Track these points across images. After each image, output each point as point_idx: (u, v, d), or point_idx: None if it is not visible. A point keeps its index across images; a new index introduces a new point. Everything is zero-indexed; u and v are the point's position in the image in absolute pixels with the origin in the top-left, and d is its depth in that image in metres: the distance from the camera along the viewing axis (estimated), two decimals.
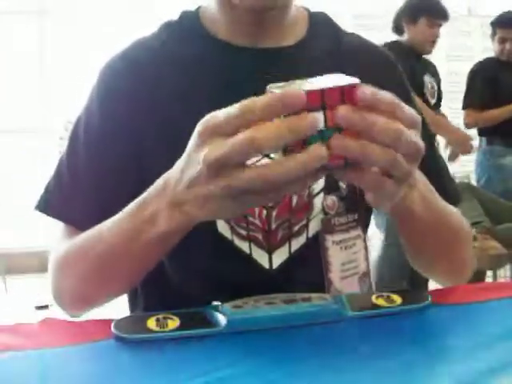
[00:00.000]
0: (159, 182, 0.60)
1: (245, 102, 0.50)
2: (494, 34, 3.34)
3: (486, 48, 3.48)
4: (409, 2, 2.87)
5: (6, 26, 4.24)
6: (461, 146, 2.98)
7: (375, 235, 2.76)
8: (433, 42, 2.85)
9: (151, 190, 0.61)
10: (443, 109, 3.19)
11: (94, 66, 0.82)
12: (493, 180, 3.27)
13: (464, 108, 3.32)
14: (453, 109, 3.88)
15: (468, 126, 3.33)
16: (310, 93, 0.49)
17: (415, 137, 0.51)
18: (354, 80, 0.51)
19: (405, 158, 0.51)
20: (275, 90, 0.52)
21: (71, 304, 0.77)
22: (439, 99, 2.96)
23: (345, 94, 0.50)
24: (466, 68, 3.45)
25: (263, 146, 0.49)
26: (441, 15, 2.82)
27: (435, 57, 2.92)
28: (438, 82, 2.96)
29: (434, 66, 3.02)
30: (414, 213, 0.65)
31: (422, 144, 0.52)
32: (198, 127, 0.53)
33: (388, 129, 0.49)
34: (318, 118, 0.49)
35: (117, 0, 4.37)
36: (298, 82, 0.53)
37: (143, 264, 0.68)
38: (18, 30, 4.28)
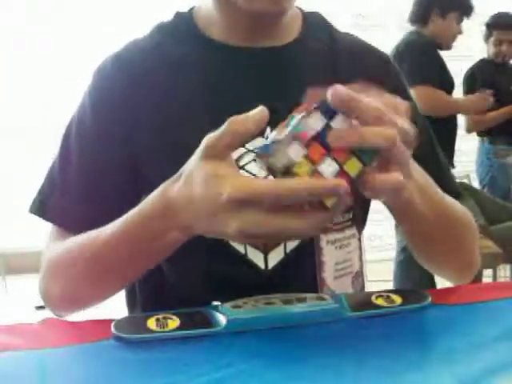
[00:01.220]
0: (160, 202, 0.59)
1: (279, 187, 0.50)
2: (488, 36, 3.31)
3: (485, 47, 3.47)
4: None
5: (6, 26, 4.24)
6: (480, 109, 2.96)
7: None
8: (454, 39, 2.83)
9: (153, 209, 0.60)
10: None
11: (94, 66, 0.82)
12: (496, 180, 3.26)
13: None
14: None
15: (469, 131, 3.32)
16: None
17: (404, 124, 0.53)
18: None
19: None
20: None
21: (59, 305, 0.77)
22: None
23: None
24: (465, 68, 3.44)
25: (293, 237, 0.56)
26: (469, 13, 2.79)
27: None
28: None
29: None
30: (413, 205, 0.64)
31: (410, 127, 0.54)
32: (228, 192, 0.51)
33: (383, 137, 0.51)
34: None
35: (117, 0, 4.37)
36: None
37: (143, 266, 0.68)
38: (18, 30, 4.28)
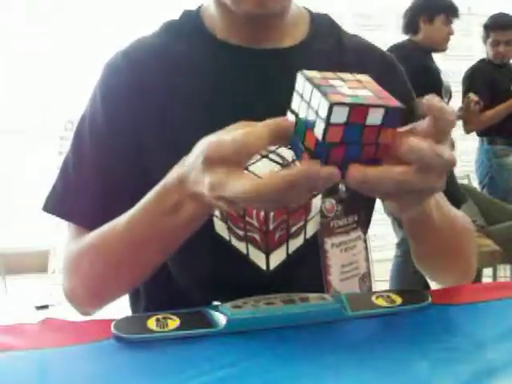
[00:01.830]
0: (173, 177, 0.61)
1: (250, 133, 0.52)
2: (486, 37, 3.33)
3: (485, 48, 3.47)
4: (425, 1, 2.90)
5: (6, 26, 4.24)
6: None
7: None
8: (447, 40, 2.87)
9: (168, 183, 0.62)
10: None
11: (94, 66, 0.82)
12: (496, 179, 3.27)
13: None
14: None
15: (468, 131, 3.33)
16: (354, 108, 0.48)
17: (449, 155, 0.52)
18: (394, 101, 0.50)
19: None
20: (308, 75, 0.52)
21: (85, 302, 0.77)
22: (450, 98, 2.98)
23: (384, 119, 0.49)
24: (465, 68, 3.44)
25: (267, 200, 0.51)
26: (456, 13, 2.87)
27: (435, 56, 2.92)
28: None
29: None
30: (430, 215, 0.65)
31: (454, 158, 0.53)
32: (206, 151, 0.54)
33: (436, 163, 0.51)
34: (332, 173, 0.49)
35: (117, 0, 4.37)
36: (330, 74, 0.53)
37: (163, 251, 0.68)
38: (18, 31, 4.29)
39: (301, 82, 0.52)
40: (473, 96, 3.09)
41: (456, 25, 2.90)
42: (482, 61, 3.40)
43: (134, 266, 0.70)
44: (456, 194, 0.84)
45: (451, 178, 0.87)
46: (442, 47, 2.88)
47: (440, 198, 0.72)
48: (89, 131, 0.78)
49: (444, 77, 2.86)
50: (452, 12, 2.85)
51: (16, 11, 4.25)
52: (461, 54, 4.38)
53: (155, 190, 0.64)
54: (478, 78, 3.28)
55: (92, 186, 0.76)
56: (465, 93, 3.30)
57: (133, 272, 0.71)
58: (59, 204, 0.78)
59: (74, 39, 4.27)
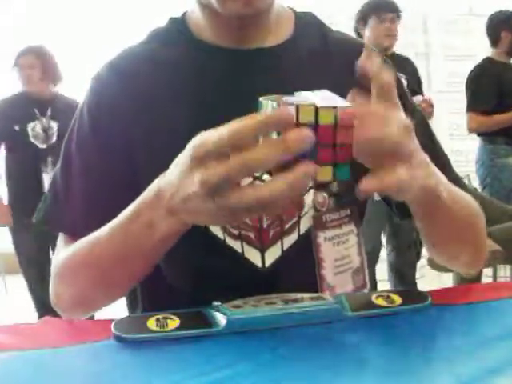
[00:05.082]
0: (151, 191, 0.61)
1: (234, 126, 0.50)
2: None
3: (486, 48, 3.44)
4: (359, 8, 2.95)
5: (6, 25, 4.25)
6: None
7: None
8: (388, 36, 2.86)
9: (144, 199, 0.62)
10: (442, 109, 3.18)
11: (94, 66, 0.82)
12: (498, 180, 3.25)
13: (467, 111, 3.27)
14: (453, 109, 3.87)
15: (471, 130, 3.30)
16: (303, 107, 0.50)
17: (394, 125, 0.55)
18: (345, 103, 0.52)
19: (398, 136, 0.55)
20: (267, 102, 0.53)
21: (70, 309, 0.78)
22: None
23: (337, 117, 0.51)
24: (466, 68, 3.41)
25: (257, 168, 0.51)
26: (387, 8, 2.86)
27: (435, 57, 2.91)
28: (414, 79, 2.98)
29: (411, 64, 3.05)
30: (440, 196, 0.64)
31: (405, 121, 0.56)
32: (190, 150, 0.53)
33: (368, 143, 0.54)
34: (309, 134, 0.49)
35: (117, 1, 4.38)
36: (286, 97, 0.54)
37: (143, 265, 0.69)
38: (18, 30, 4.29)
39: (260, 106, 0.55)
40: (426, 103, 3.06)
41: (456, 25, 2.88)
42: (487, 59, 3.34)
43: (116, 278, 0.70)
44: (459, 180, 0.84)
45: (447, 163, 0.87)
46: (382, 46, 2.84)
47: (446, 181, 0.71)
48: (76, 144, 0.78)
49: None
50: (382, 9, 2.84)
51: (16, 11, 4.26)
52: (461, 53, 4.38)
53: (132, 205, 0.64)
54: (484, 79, 3.22)
55: (79, 198, 0.77)
56: (472, 93, 3.25)
57: (116, 283, 0.71)
58: (49, 215, 0.79)
59: (73, 39, 4.28)
